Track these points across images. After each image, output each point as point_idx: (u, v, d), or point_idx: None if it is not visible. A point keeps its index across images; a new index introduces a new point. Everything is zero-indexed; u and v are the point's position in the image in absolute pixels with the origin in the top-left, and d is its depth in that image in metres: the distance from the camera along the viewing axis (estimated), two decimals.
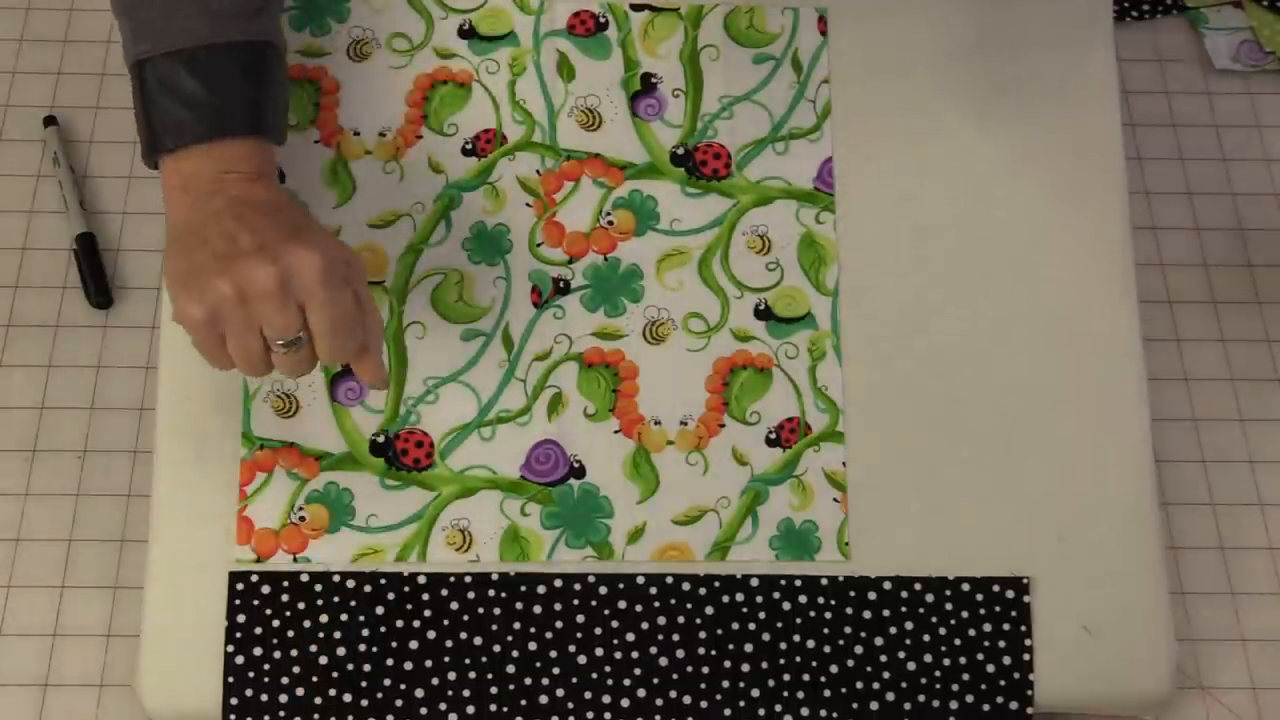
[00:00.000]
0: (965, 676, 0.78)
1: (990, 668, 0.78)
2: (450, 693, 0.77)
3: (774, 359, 0.82)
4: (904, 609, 0.79)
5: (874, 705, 0.78)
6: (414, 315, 0.81)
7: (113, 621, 0.86)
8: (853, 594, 0.79)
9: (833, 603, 0.79)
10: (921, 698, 0.78)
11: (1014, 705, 0.78)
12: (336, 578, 0.78)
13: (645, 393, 0.81)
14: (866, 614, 0.78)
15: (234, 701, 0.76)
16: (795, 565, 0.79)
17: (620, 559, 0.79)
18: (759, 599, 0.78)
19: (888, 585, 0.79)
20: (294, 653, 0.77)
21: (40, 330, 0.95)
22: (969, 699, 0.78)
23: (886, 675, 0.78)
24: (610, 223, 0.84)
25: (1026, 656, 0.78)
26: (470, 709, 0.77)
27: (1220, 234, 1.03)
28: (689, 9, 0.87)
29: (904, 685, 0.78)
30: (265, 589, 0.77)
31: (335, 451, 0.80)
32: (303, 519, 0.79)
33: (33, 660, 0.85)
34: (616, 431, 0.81)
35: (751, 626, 0.78)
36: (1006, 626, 0.79)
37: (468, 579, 0.78)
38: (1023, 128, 0.86)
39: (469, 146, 0.84)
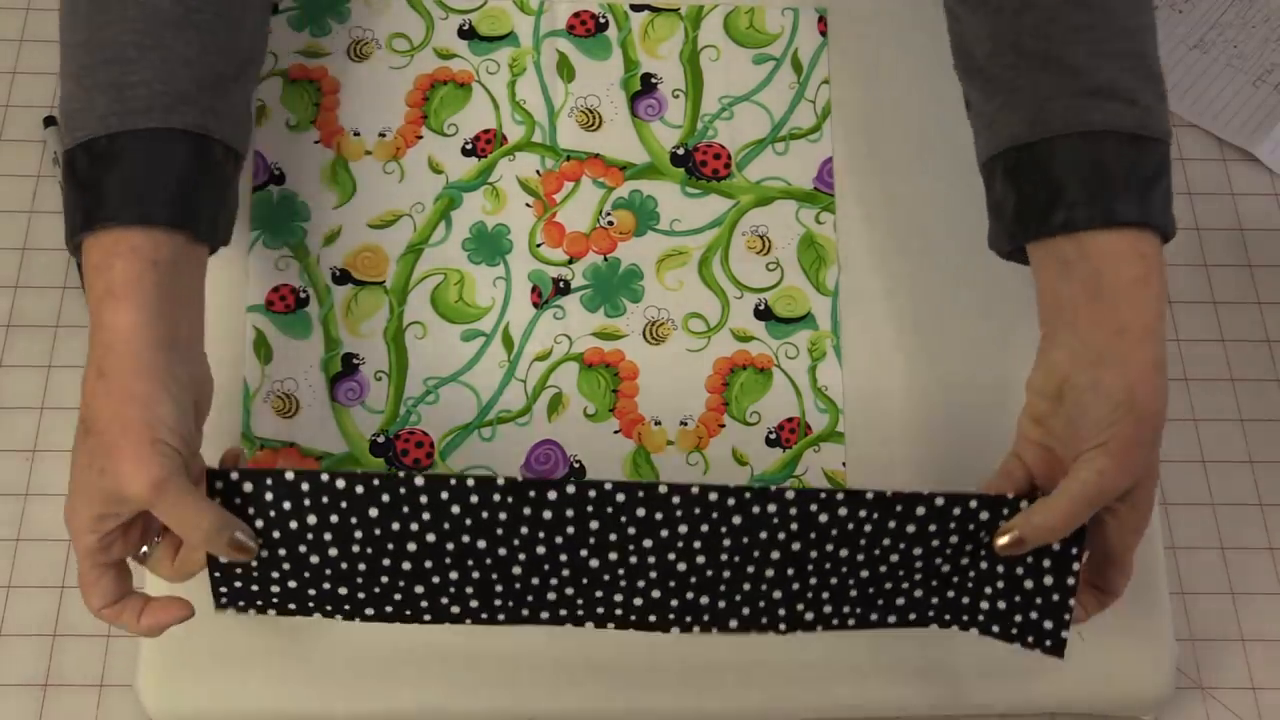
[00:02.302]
0: (1000, 585, 0.73)
1: (1029, 583, 0.72)
2: (453, 590, 0.72)
3: (774, 359, 0.82)
4: (953, 524, 0.72)
5: (900, 601, 0.73)
6: (414, 315, 0.81)
7: None
8: (899, 509, 0.72)
9: (875, 515, 0.72)
10: (951, 594, 0.73)
11: (1049, 624, 0.72)
12: (325, 477, 0.70)
13: (645, 393, 0.81)
14: (910, 528, 0.72)
15: (223, 590, 0.71)
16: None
17: None
18: (793, 510, 0.72)
19: (940, 501, 0.71)
20: (282, 552, 0.71)
21: (40, 330, 0.95)
22: (1000, 605, 0.73)
23: (918, 577, 0.73)
24: (610, 223, 0.84)
25: (1071, 581, 0.71)
26: (474, 603, 0.72)
27: (1220, 234, 1.03)
28: (689, 9, 0.87)
29: (934, 584, 0.73)
30: (247, 486, 0.70)
31: (335, 451, 0.80)
32: None
33: (33, 660, 0.85)
34: (616, 432, 0.81)
35: (781, 536, 0.72)
36: (1056, 547, 0.72)
37: (470, 483, 0.70)
38: None
39: (469, 146, 0.84)
